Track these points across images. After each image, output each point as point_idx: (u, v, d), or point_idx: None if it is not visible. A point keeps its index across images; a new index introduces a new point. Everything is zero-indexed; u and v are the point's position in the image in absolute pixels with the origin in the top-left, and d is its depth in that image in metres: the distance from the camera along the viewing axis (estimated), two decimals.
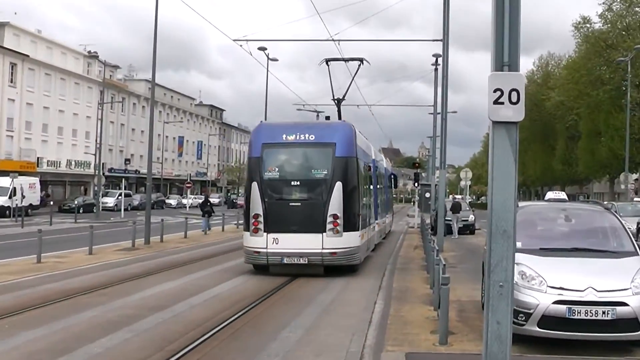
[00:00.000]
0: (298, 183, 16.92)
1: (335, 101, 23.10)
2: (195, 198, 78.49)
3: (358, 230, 17.21)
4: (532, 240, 9.81)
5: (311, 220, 16.36)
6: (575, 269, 8.87)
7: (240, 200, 75.51)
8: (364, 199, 19.28)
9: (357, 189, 17.43)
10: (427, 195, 42.33)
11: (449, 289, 9.15)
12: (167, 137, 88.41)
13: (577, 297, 8.24)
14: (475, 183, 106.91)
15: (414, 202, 56.90)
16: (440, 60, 28.24)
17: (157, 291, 14.04)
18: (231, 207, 72.14)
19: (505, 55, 5.80)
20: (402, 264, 19.69)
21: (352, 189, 17.02)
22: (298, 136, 17.11)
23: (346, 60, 22.95)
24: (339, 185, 16.48)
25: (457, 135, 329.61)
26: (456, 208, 32.20)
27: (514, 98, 5.70)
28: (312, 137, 17.11)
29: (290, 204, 16.67)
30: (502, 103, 5.70)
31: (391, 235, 33.58)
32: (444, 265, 10.15)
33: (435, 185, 29.85)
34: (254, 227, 16.51)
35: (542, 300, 8.33)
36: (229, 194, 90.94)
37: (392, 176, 35.70)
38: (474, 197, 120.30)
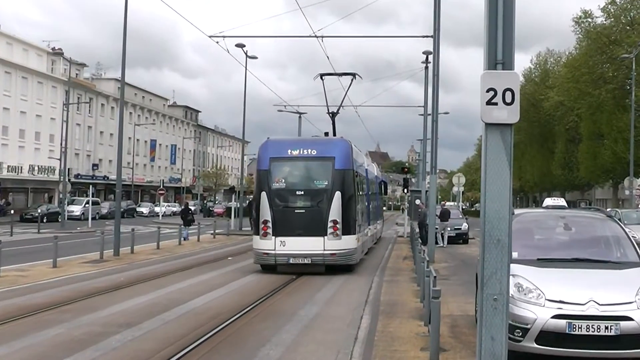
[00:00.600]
0: (302, 192, 20.15)
1: (330, 114, 26.93)
2: (169, 206, 78.24)
3: (355, 234, 20.46)
4: (529, 250, 9.81)
5: (314, 225, 19.48)
6: (576, 281, 8.87)
7: (217, 208, 75.64)
8: (359, 206, 22.34)
9: (354, 197, 20.66)
10: (417, 202, 42.44)
11: (440, 303, 9.14)
12: (138, 140, 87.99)
13: (578, 311, 8.22)
14: (468, 189, 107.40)
15: (403, 210, 57.01)
16: (430, 57, 28.42)
17: (126, 306, 13.95)
18: (207, 216, 71.81)
19: (498, 53, 5.81)
20: (391, 275, 19.81)
21: (350, 197, 20.23)
22: (301, 151, 20.42)
23: (339, 74, 27.06)
24: (338, 195, 19.68)
25: (449, 137, 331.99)
26: (445, 216, 32.26)
27: (508, 98, 5.69)
28: (314, 152, 20.45)
29: (296, 211, 19.86)
30: (496, 104, 5.70)
31: (380, 242, 34.03)
32: (435, 277, 10.17)
33: (426, 191, 29.98)
34: (263, 231, 19.59)
35: (540, 314, 8.32)
36: (204, 202, 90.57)
37: (382, 183, 36.51)
38: (468, 204, 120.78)
